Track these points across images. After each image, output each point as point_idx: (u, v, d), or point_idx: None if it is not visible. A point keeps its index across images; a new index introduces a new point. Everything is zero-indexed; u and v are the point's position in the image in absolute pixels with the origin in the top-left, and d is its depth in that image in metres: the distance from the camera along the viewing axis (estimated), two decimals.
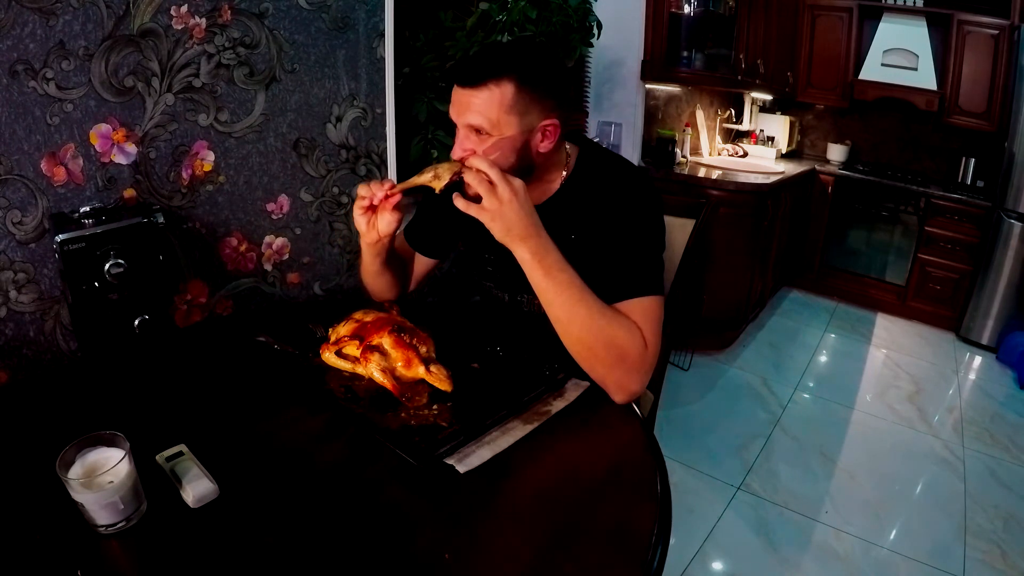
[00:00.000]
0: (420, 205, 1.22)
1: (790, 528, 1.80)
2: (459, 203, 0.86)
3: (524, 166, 0.95)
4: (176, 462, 0.70)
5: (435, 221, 1.18)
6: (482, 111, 0.90)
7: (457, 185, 0.90)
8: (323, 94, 1.40)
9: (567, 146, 1.05)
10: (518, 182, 0.86)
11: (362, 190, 0.97)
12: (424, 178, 0.91)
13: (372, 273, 1.10)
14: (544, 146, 0.95)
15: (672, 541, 0.84)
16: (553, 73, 0.96)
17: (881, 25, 3.45)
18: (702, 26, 2.94)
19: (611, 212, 0.97)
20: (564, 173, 1.03)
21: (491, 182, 0.84)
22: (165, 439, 0.74)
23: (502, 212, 0.84)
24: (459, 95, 0.92)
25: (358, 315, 0.97)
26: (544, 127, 0.94)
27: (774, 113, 3.94)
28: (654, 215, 0.99)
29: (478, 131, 0.92)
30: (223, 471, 0.69)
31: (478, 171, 0.85)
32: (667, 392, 1.91)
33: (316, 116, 1.40)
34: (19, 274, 1.02)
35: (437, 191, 0.90)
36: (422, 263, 1.23)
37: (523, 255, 0.87)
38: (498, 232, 0.86)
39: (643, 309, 0.92)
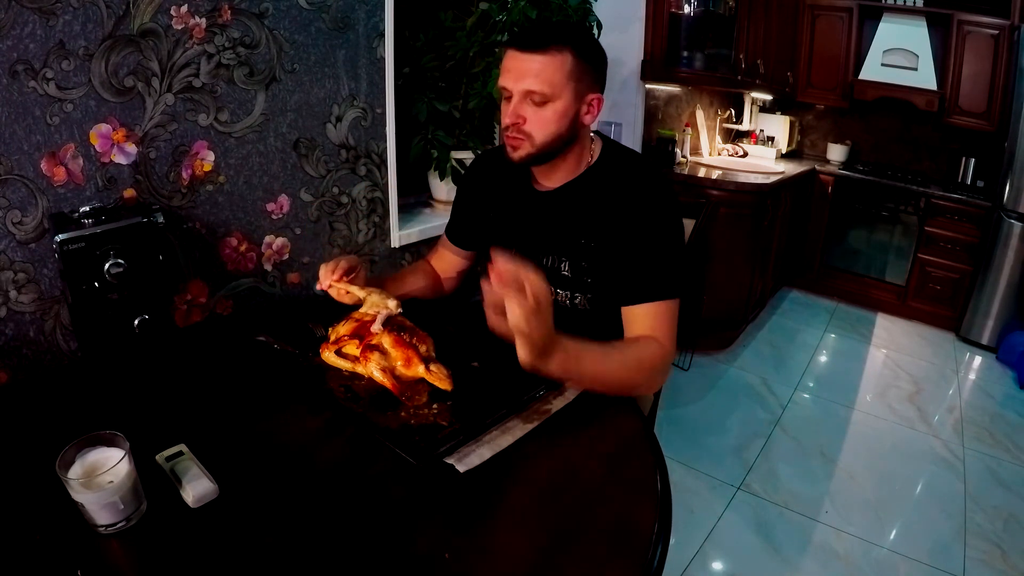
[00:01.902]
0: (456, 203, 1.27)
1: (790, 528, 1.80)
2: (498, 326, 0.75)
3: (570, 135, 1.00)
4: (176, 462, 0.70)
5: (473, 214, 1.21)
6: (545, 74, 0.93)
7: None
8: (323, 94, 1.40)
9: (593, 137, 1.09)
10: (544, 293, 0.74)
11: (322, 271, 1.01)
12: (360, 295, 0.99)
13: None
14: (588, 119, 1.00)
15: (672, 541, 0.84)
16: (600, 52, 1.02)
17: (881, 25, 3.45)
18: (702, 26, 2.93)
19: (638, 211, 1.00)
20: (589, 160, 1.07)
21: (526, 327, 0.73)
22: (165, 439, 0.74)
23: (540, 338, 0.75)
24: (519, 60, 0.94)
25: (358, 314, 0.97)
26: (591, 99, 0.99)
27: (774, 113, 3.94)
28: (675, 218, 1.03)
29: (535, 100, 0.95)
30: (223, 471, 0.69)
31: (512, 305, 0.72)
32: (667, 392, 1.91)
33: (316, 116, 1.40)
34: (19, 274, 1.02)
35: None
36: (462, 258, 1.26)
37: (553, 373, 0.81)
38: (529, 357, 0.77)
39: (662, 312, 0.97)
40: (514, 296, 0.72)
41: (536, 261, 1.09)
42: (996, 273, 3.03)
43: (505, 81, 0.97)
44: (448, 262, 1.27)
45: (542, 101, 0.94)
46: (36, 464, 0.68)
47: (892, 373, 2.85)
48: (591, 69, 0.97)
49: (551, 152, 1.00)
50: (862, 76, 3.53)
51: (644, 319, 0.98)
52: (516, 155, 1.00)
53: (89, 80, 1.03)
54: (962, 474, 2.11)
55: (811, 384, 2.69)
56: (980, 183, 3.31)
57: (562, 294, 1.09)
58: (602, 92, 1.01)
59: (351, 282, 1.00)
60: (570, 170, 1.06)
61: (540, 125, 0.96)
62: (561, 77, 0.93)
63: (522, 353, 0.75)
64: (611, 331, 1.04)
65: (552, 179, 1.08)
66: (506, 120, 0.98)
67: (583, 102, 0.98)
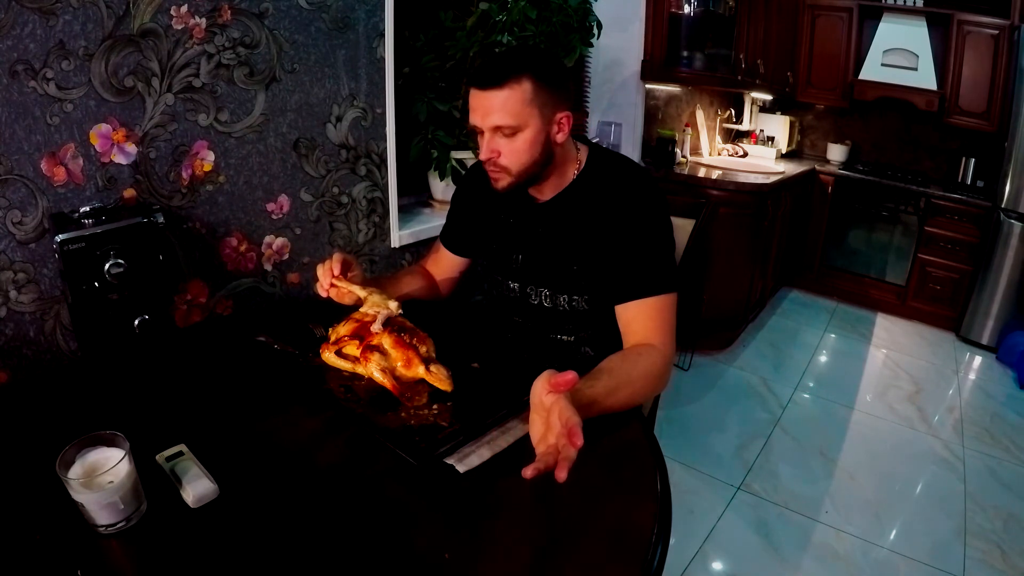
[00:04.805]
0: (451, 210, 1.28)
1: (790, 528, 1.80)
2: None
3: (546, 157, 1.02)
4: (176, 462, 0.70)
5: (470, 222, 1.23)
6: (508, 108, 0.95)
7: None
8: (323, 94, 1.40)
9: (576, 144, 1.11)
10: (570, 409, 0.68)
11: (319, 272, 1.02)
12: (361, 294, 0.99)
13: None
14: (560, 137, 1.02)
15: (672, 541, 0.84)
16: (560, 69, 1.04)
17: (881, 25, 3.45)
18: (702, 26, 2.93)
19: (623, 212, 1.02)
20: (576, 169, 1.09)
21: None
22: (165, 439, 0.74)
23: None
24: (481, 99, 0.97)
25: (358, 315, 0.97)
26: (559, 119, 1.00)
27: (774, 113, 3.93)
28: (663, 215, 1.04)
29: (504, 133, 0.97)
30: (223, 471, 0.69)
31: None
32: (667, 392, 1.90)
33: (316, 116, 1.40)
34: (19, 274, 1.02)
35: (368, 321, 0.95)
36: (456, 263, 1.27)
37: None
38: None
39: (655, 310, 0.99)
40: (539, 417, 0.69)
41: (537, 270, 1.11)
42: (996, 273, 3.03)
43: (474, 120, 1.00)
44: (444, 267, 1.28)
45: (511, 133, 0.97)
46: (36, 464, 0.68)
47: (892, 373, 2.85)
48: (554, 90, 0.98)
49: (532, 177, 1.03)
50: (862, 76, 3.53)
51: (638, 319, 0.99)
52: (499, 186, 1.04)
53: (89, 80, 1.03)
54: (962, 474, 2.11)
55: (811, 384, 2.69)
56: (980, 183, 3.31)
57: (562, 298, 1.10)
58: (570, 108, 1.02)
59: (350, 281, 1.01)
60: (558, 183, 1.09)
61: (514, 156, 0.99)
62: (524, 107, 0.95)
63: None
64: (609, 331, 1.06)
65: (543, 192, 1.10)
66: (482, 156, 1.01)
67: (552, 123, 1.00)
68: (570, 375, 0.68)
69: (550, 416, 0.67)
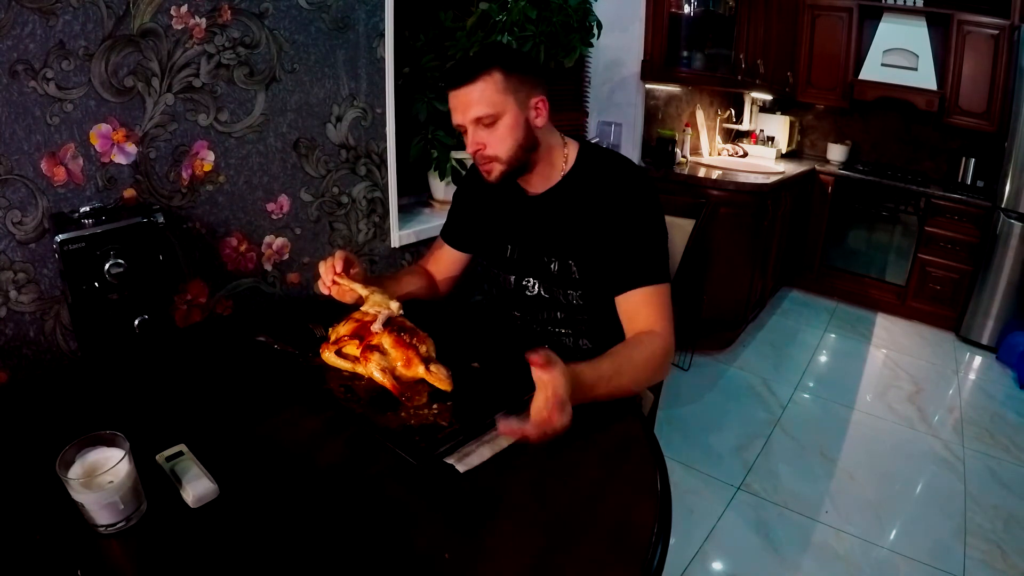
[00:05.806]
0: (452, 207, 1.30)
1: (790, 528, 1.80)
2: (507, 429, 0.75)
3: (530, 142, 1.05)
4: (176, 462, 0.70)
5: (468, 217, 1.26)
6: (484, 99, 1.00)
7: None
8: (323, 94, 1.40)
9: (564, 139, 1.13)
10: (563, 388, 0.74)
11: (322, 268, 1.02)
12: (363, 292, 0.99)
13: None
14: (539, 121, 1.06)
15: (672, 541, 0.84)
16: (528, 59, 1.11)
17: (881, 25, 3.45)
18: (702, 26, 2.93)
19: (616, 205, 1.05)
20: (565, 165, 1.12)
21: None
22: (165, 439, 0.74)
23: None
24: (459, 96, 1.02)
25: (358, 315, 0.97)
26: (535, 103, 1.05)
27: (774, 113, 3.93)
28: (656, 207, 1.07)
29: (485, 123, 1.02)
30: (223, 471, 0.69)
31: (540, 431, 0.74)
32: (667, 392, 1.91)
33: (316, 116, 1.40)
34: (19, 274, 1.02)
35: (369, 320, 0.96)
36: (456, 260, 1.28)
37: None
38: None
39: (653, 297, 1.02)
40: (540, 391, 0.74)
41: (530, 262, 1.13)
42: (996, 273, 3.03)
43: (456, 118, 1.05)
44: (444, 264, 1.29)
45: (491, 122, 1.01)
46: (36, 464, 0.68)
47: (892, 373, 2.85)
48: (524, 77, 1.03)
49: (520, 163, 1.06)
50: (862, 76, 3.53)
51: (639, 308, 1.02)
52: (491, 178, 1.07)
53: (89, 80, 1.03)
54: (962, 474, 2.11)
55: (811, 384, 2.69)
56: (980, 183, 3.31)
57: (556, 290, 1.11)
58: (544, 93, 1.06)
59: (352, 278, 1.01)
60: (548, 174, 1.11)
61: (498, 144, 1.03)
62: (498, 95, 1.00)
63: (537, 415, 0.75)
64: (605, 323, 1.08)
65: (534, 185, 1.13)
66: (469, 150, 1.06)
67: (528, 108, 1.04)
68: (541, 350, 0.74)
69: (547, 391, 0.73)
